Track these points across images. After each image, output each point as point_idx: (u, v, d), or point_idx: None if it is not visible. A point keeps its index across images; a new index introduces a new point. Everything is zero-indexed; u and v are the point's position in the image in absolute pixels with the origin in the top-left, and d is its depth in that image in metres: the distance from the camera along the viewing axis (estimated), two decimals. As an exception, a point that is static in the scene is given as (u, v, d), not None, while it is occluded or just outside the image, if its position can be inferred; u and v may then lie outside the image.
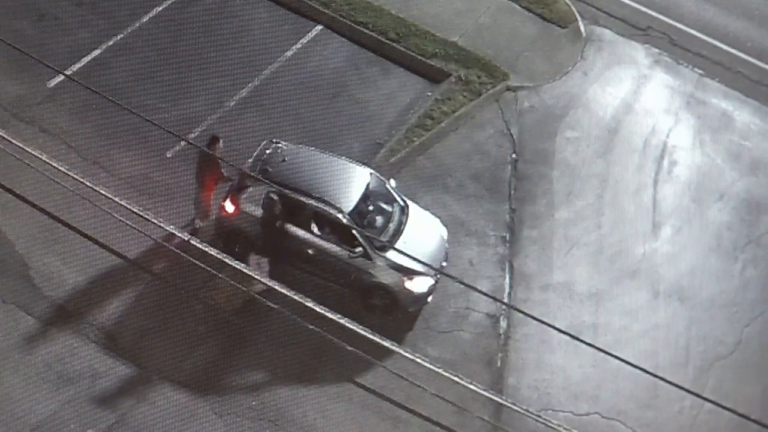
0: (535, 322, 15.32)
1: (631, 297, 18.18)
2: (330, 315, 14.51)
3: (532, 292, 17.95)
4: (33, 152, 15.44)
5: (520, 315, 16.89)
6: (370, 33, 21.59)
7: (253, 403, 15.80)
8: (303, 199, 16.38)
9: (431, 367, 14.62)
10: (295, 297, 14.79)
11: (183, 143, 18.34)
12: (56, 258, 16.86)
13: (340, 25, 21.72)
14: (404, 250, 15.53)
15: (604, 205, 19.55)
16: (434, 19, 22.18)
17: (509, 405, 15.37)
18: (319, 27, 21.74)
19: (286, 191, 16.24)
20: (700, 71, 22.36)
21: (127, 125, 18.45)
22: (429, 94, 20.88)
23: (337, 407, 15.94)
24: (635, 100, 21.62)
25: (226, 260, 15.78)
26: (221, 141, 16.87)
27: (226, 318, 16.48)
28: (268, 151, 17.15)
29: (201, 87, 19.89)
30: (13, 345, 15.77)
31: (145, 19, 21.05)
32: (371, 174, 17.37)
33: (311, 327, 14.86)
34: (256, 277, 15.88)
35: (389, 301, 16.73)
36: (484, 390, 15.16)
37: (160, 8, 21.30)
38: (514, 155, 20.10)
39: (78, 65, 19.80)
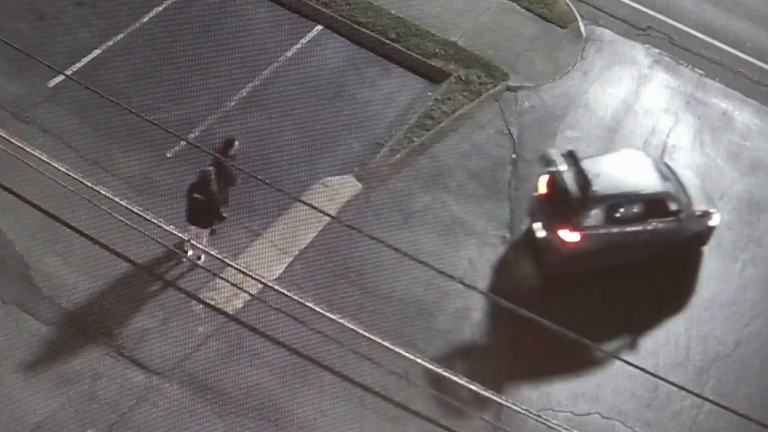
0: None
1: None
2: (330, 315, 14.50)
3: (532, 292, 17.96)
4: (33, 152, 15.39)
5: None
6: (370, 33, 21.59)
7: (253, 403, 15.80)
8: (638, 199, 17.60)
9: (431, 367, 14.60)
10: (295, 297, 14.77)
11: (183, 143, 18.34)
12: (56, 258, 16.87)
13: (340, 25, 21.72)
14: (701, 198, 18.38)
15: (604, 205, 19.52)
16: (434, 19, 22.18)
17: (509, 405, 15.35)
18: (319, 27, 21.74)
19: (624, 199, 17.48)
20: (700, 71, 22.35)
21: (127, 125, 18.46)
22: (429, 94, 20.88)
23: (337, 407, 15.94)
24: (635, 100, 21.61)
25: (226, 260, 15.76)
26: (237, 142, 17.00)
27: (227, 318, 16.48)
28: (560, 167, 17.80)
29: (201, 87, 19.90)
30: (13, 345, 15.77)
31: (145, 19, 21.05)
32: (638, 151, 18.94)
33: (312, 327, 14.85)
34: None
35: (699, 241, 18.70)
36: (484, 390, 15.15)
37: (160, 8, 21.30)
38: (514, 155, 20.09)
39: (78, 65, 19.80)
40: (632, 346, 17.40)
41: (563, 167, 17.70)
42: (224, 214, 17.00)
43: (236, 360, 16.20)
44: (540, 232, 17.86)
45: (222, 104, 19.79)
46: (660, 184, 17.92)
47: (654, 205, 17.74)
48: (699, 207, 18.28)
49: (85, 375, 15.60)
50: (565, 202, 17.41)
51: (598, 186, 17.30)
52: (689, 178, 18.90)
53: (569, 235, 17.27)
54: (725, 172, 20.55)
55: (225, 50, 20.67)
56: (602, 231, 17.47)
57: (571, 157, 17.86)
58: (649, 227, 17.81)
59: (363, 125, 20.11)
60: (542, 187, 18.03)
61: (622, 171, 17.90)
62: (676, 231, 18.08)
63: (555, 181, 17.76)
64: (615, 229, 17.56)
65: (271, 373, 16.13)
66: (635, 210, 17.63)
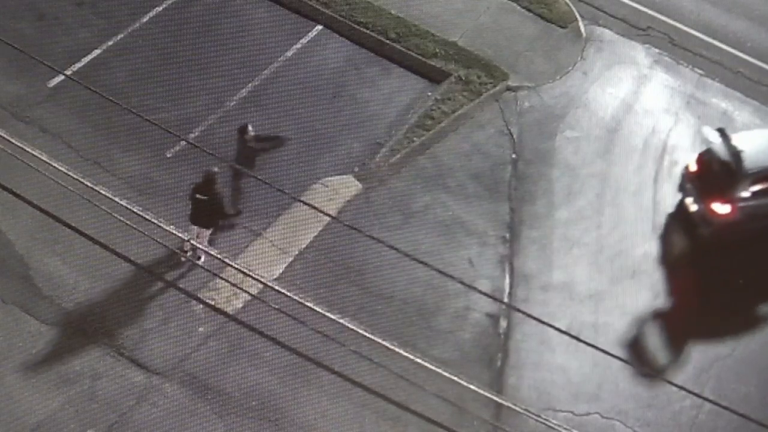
0: (535, 322, 15.31)
1: (631, 297, 18.18)
2: (330, 315, 14.53)
3: (532, 292, 17.95)
4: (33, 152, 15.43)
5: (520, 315, 16.89)
6: (370, 33, 21.59)
7: (253, 403, 15.81)
8: None
9: (431, 367, 14.62)
10: (295, 297, 14.80)
11: (183, 143, 18.35)
12: (56, 258, 16.87)
13: (340, 25, 21.73)
14: None
15: (604, 204, 19.55)
16: (434, 19, 22.18)
17: (509, 405, 15.36)
18: (319, 27, 21.74)
19: None
20: (700, 71, 22.35)
21: (127, 125, 18.46)
22: (429, 94, 20.89)
23: (337, 407, 15.94)
24: (635, 100, 21.61)
25: (226, 260, 15.78)
26: (250, 126, 17.24)
27: (227, 318, 16.48)
28: (723, 143, 18.70)
29: (201, 87, 19.90)
30: (13, 345, 15.78)
31: (145, 19, 21.06)
32: None
33: (312, 327, 14.86)
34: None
35: None
36: (484, 390, 15.16)
37: (160, 8, 21.30)
38: (514, 155, 20.09)
39: (78, 65, 19.81)
40: None
41: (714, 144, 18.82)
42: (239, 208, 17.33)
43: (236, 360, 16.20)
44: (692, 206, 18.99)
45: (222, 104, 19.80)
46: None
47: None
48: None
49: (85, 375, 15.61)
50: (717, 177, 18.60)
51: (748, 161, 18.34)
52: None
53: (721, 208, 18.42)
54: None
55: (225, 50, 20.67)
56: (749, 203, 18.54)
57: (722, 135, 18.85)
58: None
59: (363, 125, 20.11)
60: (693, 164, 19.13)
61: (765, 147, 18.88)
62: None
63: (707, 158, 18.89)
64: (759, 201, 18.60)
65: (271, 373, 16.13)
66: None
